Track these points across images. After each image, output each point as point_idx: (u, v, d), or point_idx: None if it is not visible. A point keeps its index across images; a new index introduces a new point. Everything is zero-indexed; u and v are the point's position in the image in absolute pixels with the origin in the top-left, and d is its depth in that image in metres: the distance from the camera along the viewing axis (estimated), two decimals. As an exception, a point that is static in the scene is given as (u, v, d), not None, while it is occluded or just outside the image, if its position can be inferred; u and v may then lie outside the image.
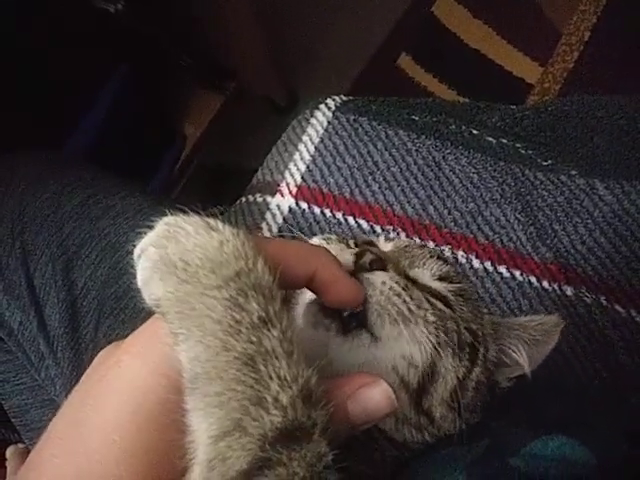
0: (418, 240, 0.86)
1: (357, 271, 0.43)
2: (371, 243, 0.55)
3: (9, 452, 0.92)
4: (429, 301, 0.45)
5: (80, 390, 0.36)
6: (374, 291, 0.42)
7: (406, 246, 0.53)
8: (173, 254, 0.33)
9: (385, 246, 0.55)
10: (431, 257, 0.52)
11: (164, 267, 0.33)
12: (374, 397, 0.35)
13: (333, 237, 0.54)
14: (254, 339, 0.31)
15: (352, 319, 0.42)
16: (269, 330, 0.31)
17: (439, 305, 0.45)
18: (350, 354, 0.41)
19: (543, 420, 0.47)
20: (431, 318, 0.43)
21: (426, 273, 0.50)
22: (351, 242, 0.54)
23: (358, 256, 0.45)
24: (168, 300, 0.32)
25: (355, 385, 0.35)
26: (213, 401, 0.30)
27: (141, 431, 0.31)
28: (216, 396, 0.30)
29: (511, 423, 0.46)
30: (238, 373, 0.30)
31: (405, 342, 0.42)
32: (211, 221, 0.35)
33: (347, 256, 0.45)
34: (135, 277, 0.35)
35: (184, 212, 0.36)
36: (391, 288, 0.42)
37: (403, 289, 0.43)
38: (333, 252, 0.42)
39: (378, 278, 0.43)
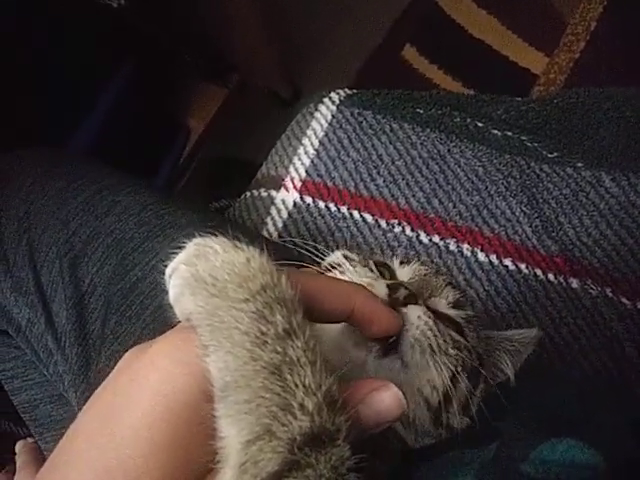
0: (423, 234, 0.86)
1: (392, 304, 0.47)
2: (386, 265, 0.57)
3: (18, 447, 0.93)
4: (450, 334, 0.50)
5: (107, 389, 0.37)
6: (411, 325, 0.46)
7: (425, 275, 0.57)
8: (203, 271, 0.35)
9: (401, 272, 0.58)
10: (446, 285, 0.57)
11: (195, 283, 0.35)
12: (385, 400, 0.37)
13: (355, 257, 0.58)
14: (279, 349, 0.33)
15: (390, 345, 0.46)
16: (293, 341, 0.33)
17: (457, 337, 0.50)
18: (382, 375, 0.45)
19: (550, 419, 0.47)
20: (452, 351, 0.48)
21: (442, 302, 0.54)
22: (372, 264, 0.56)
23: (392, 289, 0.48)
24: (199, 314, 0.34)
25: (366, 390, 0.37)
26: (243, 408, 0.31)
27: (171, 429, 0.33)
28: (245, 403, 0.31)
29: (518, 423, 0.47)
30: (266, 381, 0.32)
31: (431, 370, 0.46)
32: (237, 242, 0.37)
33: (382, 288, 0.48)
34: (167, 294, 0.38)
35: (214, 235, 0.38)
36: (426, 323, 0.47)
37: (434, 323, 0.48)
38: (362, 278, 0.48)
39: (414, 313, 0.47)
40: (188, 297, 0.35)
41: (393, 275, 0.56)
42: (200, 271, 0.35)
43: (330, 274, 0.53)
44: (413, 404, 0.47)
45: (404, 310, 0.47)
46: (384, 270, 0.56)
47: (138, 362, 0.36)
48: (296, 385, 0.32)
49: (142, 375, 0.35)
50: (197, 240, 0.38)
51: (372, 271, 0.54)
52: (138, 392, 0.34)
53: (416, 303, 0.48)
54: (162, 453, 0.32)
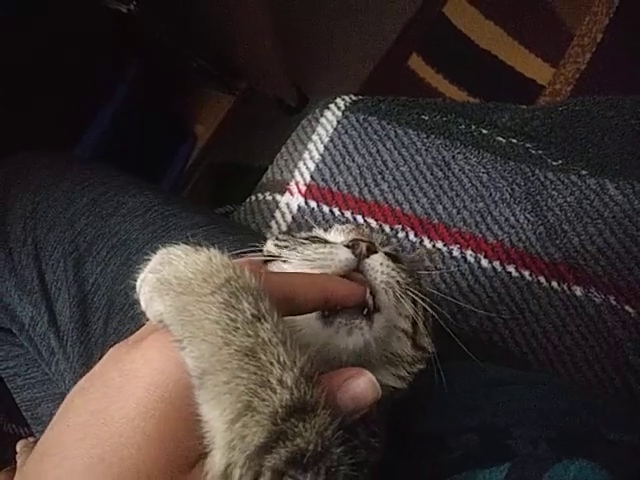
0: (427, 240, 0.86)
1: (358, 259, 0.50)
2: (315, 237, 0.60)
3: (19, 446, 0.93)
4: (400, 267, 0.54)
5: (96, 383, 0.38)
6: (378, 273, 0.50)
7: (353, 229, 0.61)
8: (168, 274, 0.38)
9: (332, 237, 0.61)
10: (371, 232, 0.62)
11: (161, 286, 0.38)
12: (360, 385, 0.39)
13: (285, 241, 0.59)
14: (251, 333, 0.34)
15: (367, 307, 0.49)
16: (262, 324, 0.35)
17: (402, 266, 0.55)
18: (378, 337, 0.49)
19: (561, 438, 0.47)
20: (408, 279, 0.53)
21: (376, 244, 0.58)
22: (307, 240, 0.59)
23: (353, 247, 0.51)
24: (169, 313, 0.36)
25: (343, 377, 0.39)
26: (222, 389, 0.33)
27: (164, 418, 0.34)
28: (224, 385, 0.33)
29: (529, 442, 0.46)
30: (241, 362, 0.33)
31: (402, 304, 0.51)
32: (198, 246, 0.40)
33: (344, 250, 0.51)
34: (139, 305, 0.40)
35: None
36: (387, 266, 0.51)
37: (392, 263, 0.52)
38: (317, 252, 0.50)
39: (377, 261, 0.51)
40: (157, 300, 0.37)
41: (327, 241, 0.59)
42: (165, 275, 0.38)
43: (277, 264, 0.54)
44: (396, 340, 0.52)
45: (367, 261, 0.50)
46: (319, 240, 0.58)
47: (128, 356, 0.38)
48: (271, 363, 0.34)
49: (134, 368, 0.36)
50: (160, 250, 0.40)
51: (315, 243, 0.56)
52: (130, 384, 0.35)
53: (376, 252, 0.52)
54: (156, 441, 0.33)
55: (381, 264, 0.50)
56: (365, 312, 0.48)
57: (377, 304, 0.49)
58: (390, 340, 0.51)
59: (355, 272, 0.50)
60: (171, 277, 0.37)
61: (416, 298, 0.52)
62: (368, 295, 0.48)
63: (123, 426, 0.34)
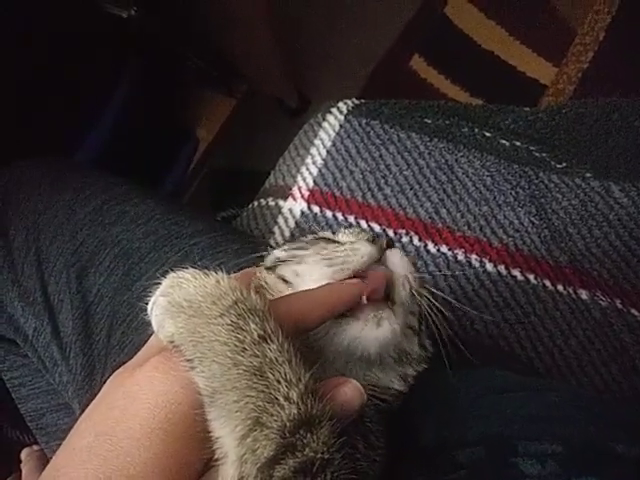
0: (431, 244, 0.86)
1: (380, 252, 0.52)
2: (326, 238, 0.60)
3: (24, 454, 0.93)
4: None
5: (101, 405, 0.39)
6: (398, 265, 0.52)
7: (363, 230, 0.62)
8: (178, 297, 0.40)
9: (343, 237, 0.61)
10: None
11: (173, 308, 0.39)
12: (347, 393, 0.41)
13: (301, 242, 0.60)
14: (258, 353, 0.36)
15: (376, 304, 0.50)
16: (268, 344, 0.37)
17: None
18: (401, 325, 0.51)
19: (570, 455, 0.46)
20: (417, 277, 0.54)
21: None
22: (321, 240, 0.59)
23: (373, 242, 0.53)
24: (181, 334, 0.38)
25: (330, 386, 0.40)
26: (233, 407, 0.35)
27: (169, 437, 0.36)
28: (234, 403, 0.35)
29: (536, 459, 0.46)
30: (249, 382, 0.35)
31: (414, 301, 0.52)
32: (206, 270, 0.42)
33: (366, 245, 0.52)
34: (151, 327, 0.42)
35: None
36: (407, 262, 0.53)
37: (407, 260, 0.54)
38: (337, 250, 0.51)
39: (397, 254, 0.53)
40: (169, 322, 0.39)
41: (339, 242, 0.59)
42: (176, 297, 0.40)
43: (288, 267, 0.55)
44: (406, 339, 0.53)
45: (388, 253, 0.53)
46: (331, 240, 0.59)
47: (131, 379, 0.39)
48: (278, 381, 0.36)
49: (137, 390, 0.38)
50: (171, 274, 0.42)
51: (331, 242, 0.57)
52: (134, 405, 0.37)
53: (394, 246, 0.54)
54: (161, 459, 0.35)
55: (401, 257, 0.53)
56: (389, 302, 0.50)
57: (395, 297, 0.51)
58: (402, 336, 0.52)
59: (376, 264, 0.51)
60: (181, 300, 0.39)
61: (425, 299, 0.53)
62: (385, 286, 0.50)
63: (129, 446, 0.35)
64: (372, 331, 0.48)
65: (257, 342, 0.37)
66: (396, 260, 0.52)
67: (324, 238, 0.59)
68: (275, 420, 0.34)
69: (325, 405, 0.36)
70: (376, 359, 0.50)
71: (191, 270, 0.42)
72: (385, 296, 0.51)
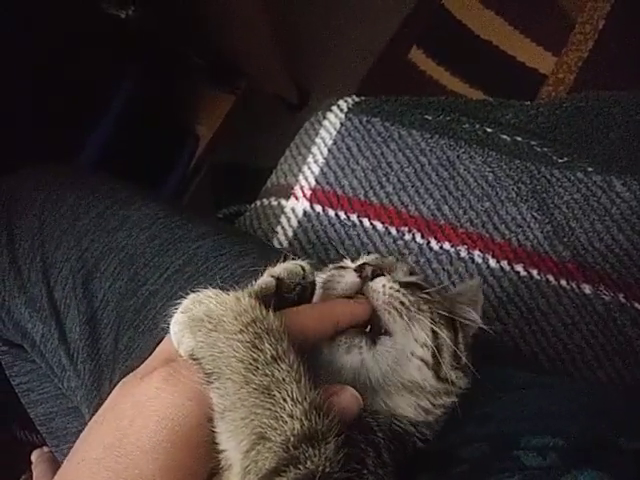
0: (434, 241, 0.86)
1: (363, 281, 0.52)
2: (340, 266, 0.61)
3: (35, 456, 0.93)
4: (415, 293, 0.53)
5: (108, 417, 0.40)
6: (378, 294, 0.51)
7: (376, 257, 0.62)
8: (199, 312, 0.41)
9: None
10: (397, 261, 0.62)
11: (193, 323, 0.41)
12: (344, 400, 0.42)
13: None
14: (268, 372, 0.38)
15: (372, 328, 0.50)
16: (279, 364, 0.38)
17: (422, 294, 0.54)
18: (382, 360, 0.49)
19: (569, 448, 0.47)
20: (424, 307, 0.52)
21: (400, 273, 0.59)
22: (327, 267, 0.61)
23: (359, 271, 0.53)
24: (201, 348, 0.39)
25: (328, 394, 0.41)
26: (240, 424, 0.37)
27: (177, 448, 0.37)
28: (242, 420, 0.37)
29: (538, 454, 0.47)
30: (257, 400, 0.37)
31: (414, 328, 0.50)
32: (226, 290, 0.44)
33: (351, 273, 0.53)
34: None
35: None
36: (391, 287, 0.51)
37: (398, 285, 0.52)
38: (341, 278, 0.53)
39: (379, 283, 0.52)
40: (188, 336, 0.40)
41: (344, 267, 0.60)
42: (196, 313, 0.41)
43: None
44: (415, 369, 0.51)
45: (370, 284, 0.52)
46: (340, 267, 0.59)
47: (139, 389, 0.40)
48: (284, 399, 0.37)
49: (145, 401, 0.39)
50: (191, 295, 0.44)
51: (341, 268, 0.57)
52: (142, 417, 0.38)
53: (382, 274, 0.53)
54: (169, 471, 0.36)
55: (383, 286, 0.51)
56: (369, 330, 0.50)
57: (386, 327, 0.50)
58: (404, 366, 0.51)
59: (360, 294, 0.52)
60: (202, 315, 0.41)
61: (434, 327, 0.52)
62: (369, 315, 0.50)
63: (137, 458, 0.36)
64: (342, 356, 0.48)
65: (269, 362, 0.38)
66: (378, 288, 0.52)
67: (340, 266, 0.60)
68: (279, 434, 0.36)
69: (332, 421, 0.37)
70: (365, 383, 0.49)
71: (212, 289, 0.43)
72: (368, 325, 0.50)
